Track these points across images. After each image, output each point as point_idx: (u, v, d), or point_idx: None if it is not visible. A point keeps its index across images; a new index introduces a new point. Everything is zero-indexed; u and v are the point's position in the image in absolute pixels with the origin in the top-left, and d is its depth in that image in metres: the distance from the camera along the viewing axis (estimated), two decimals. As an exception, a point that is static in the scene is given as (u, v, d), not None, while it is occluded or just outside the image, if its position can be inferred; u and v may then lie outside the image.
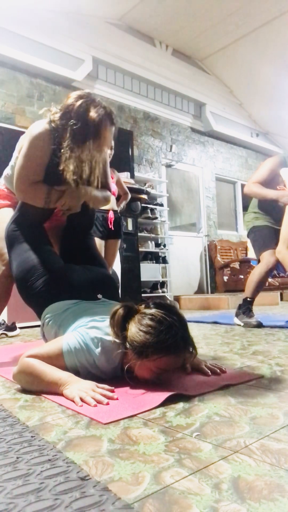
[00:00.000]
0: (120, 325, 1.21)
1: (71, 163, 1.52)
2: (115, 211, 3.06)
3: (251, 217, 3.01)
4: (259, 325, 2.76)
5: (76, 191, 1.60)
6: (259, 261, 2.86)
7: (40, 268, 1.58)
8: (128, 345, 1.17)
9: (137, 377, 1.22)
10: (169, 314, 1.19)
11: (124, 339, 1.19)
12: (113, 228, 3.01)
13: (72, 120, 1.50)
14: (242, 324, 2.87)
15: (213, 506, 0.57)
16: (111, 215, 3.00)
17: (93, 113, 1.50)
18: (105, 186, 1.76)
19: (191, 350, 1.21)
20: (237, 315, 2.96)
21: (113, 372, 1.28)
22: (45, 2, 4.32)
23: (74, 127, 1.49)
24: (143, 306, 1.25)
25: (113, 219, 3.01)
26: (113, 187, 3.08)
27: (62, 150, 1.53)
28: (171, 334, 1.14)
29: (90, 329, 1.27)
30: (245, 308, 2.91)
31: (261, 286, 2.84)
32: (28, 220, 1.68)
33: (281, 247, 2.66)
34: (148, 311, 1.20)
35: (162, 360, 1.15)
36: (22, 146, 1.60)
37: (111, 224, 2.99)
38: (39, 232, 1.71)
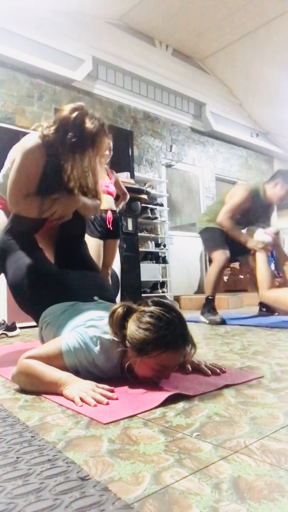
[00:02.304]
0: (119, 324, 1.21)
1: (72, 173, 1.56)
2: (113, 211, 3.06)
3: (205, 219, 3.27)
4: (223, 322, 2.99)
5: (68, 200, 1.65)
6: (210, 260, 3.21)
7: (36, 274, 1.60)
8: (128, 343, 1.17)
9: (138, 376, 1.22)
10: (168, 311, 1.20)
11: (123, 338, 1.19)
12: (111, 228, 3.01)
13: (70, 133, 1.54)
14: (207, 321, 3.09)
15: (213, 506, 0.57)
16: (109, 215, 3.00)
17: (89, 124, 1.55)
18: (95, 195, 1.80)
19: (190, 346, 1.22)
20: (202, 313, 3.19)
21: (113, 372, 1.28)
22: (45, 2, 4.32)
23: (73, 139, 1.53)
24: (141, 304, 1.25)
25: (111, 219, 3.01)
26: (111, 187, 3.08)
27: (63, 162, 1.56)
28: (170, 330, 1.15)
29: (89, 328, 1.28)
30: (209, 306, 3.15)
31: (218, 283, 3.17)
32: (21, 229, 1.70)
33: (262, 291, 2.79)
34: (147, 309, 1.20)
35: (162, 357, 1.15)
36: (14, 158, 1.62)
37: (109, 224, 2.99)
38: (32, 240, 1.73)
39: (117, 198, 3.24)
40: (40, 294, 1.58)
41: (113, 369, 1.27)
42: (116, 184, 3.18)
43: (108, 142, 3.03)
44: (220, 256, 3.08)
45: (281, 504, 0.57)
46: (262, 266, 2.82)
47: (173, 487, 0.63)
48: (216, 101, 6.55)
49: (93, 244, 2.96)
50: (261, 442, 0.79)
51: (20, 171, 1.56)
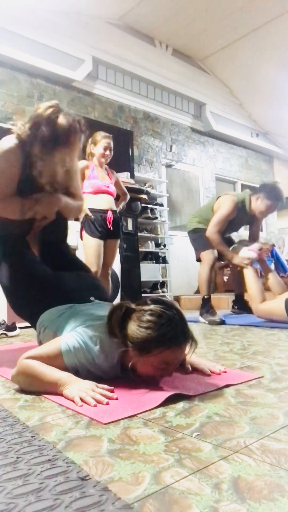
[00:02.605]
0: (118, 324, 1.21)
1: (43, 168, 1.56)
2: (113, 211, 3.06)
3: (195, 220, 3.37)
4: (222, 322, 3.02)
5: (49, 199, 1.63)
6: (199, 259, 3.32)
7: (30, 277, 1.60)
8: (129, 343, 1.17)
9: (139, 376, 1.22)
10: (168, 308, 1.20)
11: (124, 338, 1.19)
12: (112, 228, 3.01)
13: (42, 128, 1.52)
14: (207, 322, 3.12)
15: (213, 506, 0.57)
16: (109, 215, 3.00)
17: (61, 119, 1.53)
18: (77, 196, 1.80)
19: (191, 342, 1.22)
20: (201, 314, 3.22)
21: (113, 371, 1.28)
22: (45, 2, 4.32)
23: (45, 134, 1.52)
24: (140, 304, 1.25)
25: (112, 219, 3.01)
26: (111, 188, 3.08)
27: (33, 157, 1.55)
28: (172, 327, 1.15)
29: (88, 327, 1.28)
30: (207, 307, 3.20)
31: (210, 282, 3.28)
32: (9, 233, 1.69)
33: (255, 306, 2.87)
34: (146, 307, 1.20)
35: (165, 354, 1.15)
36: None
37: (109, 224, 2.99)
38: (22, 243, 1.71)
39: (117, 198, 3.24)
40: (36, 297, 1.58)
41: (113, 369, 1.27)
42: (117, 184, 3.18)
43: (108, 142, 3.03)
44: (208, 256, 3.22)
45: (281, 504, 0.57)
46: (251, 281, 2.93)
47: (173, 487, 0.63)
48: (216, 101, 6.55)
49: (93, 244, 2.96)
50: (261, 442, 0.79)
51: None
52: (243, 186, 7.44)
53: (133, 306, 1.25)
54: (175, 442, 0.81)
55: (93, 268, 2.87)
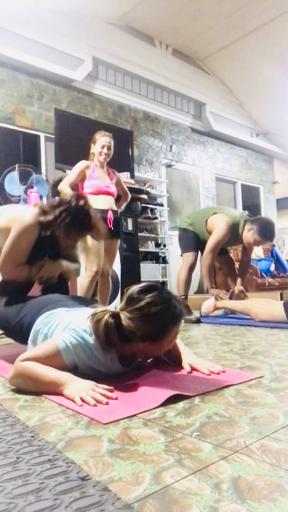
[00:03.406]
0: (117, 336, 1.21)
1: (68, 245, 1.84)
2: (114, 211, 3.05)
3: (187, 221, 3.46)
4: (198, 321, 3.11)
5: (52, 266, 1.84)
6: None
7: (21, 308, 1.64)
8: (138, 339, 1.21)
9: (148, 356, 1.30)
10: (157, 291, 1.24)
11: (128, 338, 1.21)
12: (112, 228, 3.00)
13: (72, 215, 1.72)
14: (183, 321, 3.18)
15: (213, 506, 0.57)
16: (110, 215, 3.00)
17: (92, 212, 1.78)
18: (75, 260, 2.03)
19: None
20: None
21: (112, 362, 1.29)
22: (45, 2, 4.32)
23: (75, 220, 1.72)
24: (130, 302, 1.23)
25: (112, 219, 3.00)
26: (112, 188, 3.07)
27: (59, 236, 1.76)
28: (172, 307, 1.22)
29: (81, 322, 1.29)
30: (183, 306, 3.27)
31: (189, 283, 3.41)
32: (14, 287, 1.81)
33: (254, 316, 2.93)
34: (143, 302, 1.20)
35: (173, 332, 1.24)
36: (7, 226, 1.77)
37: (110, 223, 2.98)
38: (26, 298, 1.79)
39: (118, 198, 3.23)
40: (27, 323, 1.59)
41: (113, 360, 1.28)
42: (118, 184, 3.17)
43: (106, 140, 3.01)
44: (188, 257, 3.39)
45: (281, 504, 0.57)
46: (239, 304, 3.13)
47: (173, 487, 0.63)
48: (216, 101, 6.55)
49: (94, 244, 2.95)
50: (261, 442, 0.79)
51: (15, 245, 1.73)
52: (243, 186, 7.45)
53: (116, 310, 1.25)
54: (175, 442, 0.81)
55: (93, 268, 2.87)
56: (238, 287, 3.43)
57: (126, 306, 1.23)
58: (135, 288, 1.26)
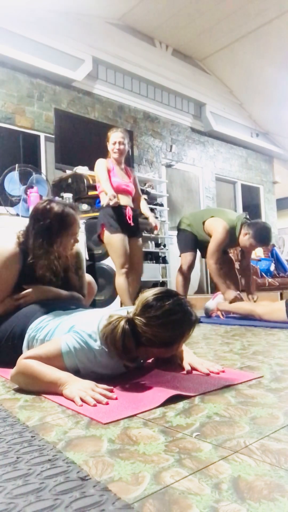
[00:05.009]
0: (131, 339, 1.20)
1: (44, 261, 1.64)
2: (133, 209, 2.98)
3: (186, 222, 3.47)
4: (199, 321, 2.98)
5: (40, 293, 1.66)
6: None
7: (9, 323, 1.58)
8: (157, 345, 1.22)
9: (157, 359, 1.32)
10: (174, 298, 1.24)
11: (142, 345, 1.22)
12: (132, 224, 2.92)
13: (39, 221, 1.63)
14: None
15: (213, 506, 0.57)
16: (129, 211, 2.90)
17: (56, 208, 1.64)
18: (79, 289, 1.84)
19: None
20: None
21: (116, 366, 1.28)
22: (45, 2, 4.32)
23: (42, 224, 1.62)
24: (145, 310, 1.21)
25: (131, 215, 2.90)
26: (131, 187, 3.00)
27: (32, 256, 1.63)
28: (188, 313, 1.23)
29: (85, 326, 1.28)
30: None
31: (187, 284, 3.45)
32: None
33: (257, 311, 2.96)
34: (160, 311, 1.19)
35: (185, 336, 1.25)
36: None
37: (130, 220, 2.90)
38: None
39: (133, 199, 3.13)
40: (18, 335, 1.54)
41: (117, 363, 1.28)
42: (134, 183, 3.09)
43: (117, 136, 2.93)
44: (187, 257, 3.41)
45: (281, 504, 0.57)
46: (244, 305, 3.13)
47: (173, 487, 0.63)
48: (216, 101, 6.55)
49: (117, 240, 2.81)
50: (261, 442, 0.79)
51: None
52: (243, 186, 7.45)
53: (129, 315, 1.23)
54: (175, 442, 0.81)
55: (122, 264, 2.77)
56: (234, 292, 3.33)
57: (142, 312, 1.21)
58: (149, 294, 1.25)
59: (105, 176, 2.84)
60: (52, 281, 1.71)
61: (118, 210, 2.85)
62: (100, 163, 2.92)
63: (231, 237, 3.25)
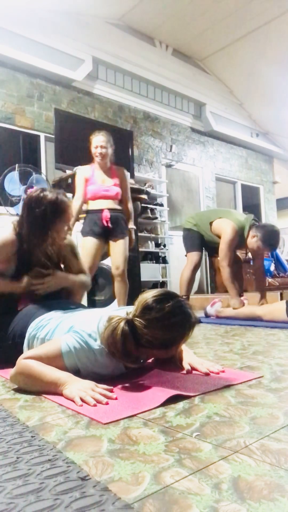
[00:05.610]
0: (134, 345, 1.20)
1: (38, 248, 1.69)
2: (111, 210, 2.94)
3: (192, 222, 3.45)
4: (198, 321, 3.09)
5: (58, 279, 1.74)
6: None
7: (10, 321, 1.59)
8: (152, 346, 1.22)
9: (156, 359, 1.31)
10: (173, 300, 1.23)
11: (141, 347, 1.21)
12: (111, 227, 2.92)
13: (34, 209, 1.65)
14: None
15: (213, 506, 0.57)
16: (105, 213, 2.89)
17: (50, 196, 1.67)
18: (79, 271, 1.90)
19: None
20: None
21: (116, 366, 1.28)
22: (45, 2, 4.32)
23: (36, 212, 1.64)
24: (145, 312, 1.21)
25: (108, 217, 2.89)
26: (112, 191, 2.98)
27: (26, 242, 1.67)
28: (187, 315, 1.23)
29: (85, 325, 1.28)
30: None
31: (191, 283, 3.37)
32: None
33: (259, 311, 2.99)
34: (160, 313, 1.19)
35: (185, 338, 1.26)
36: None
37: (107, 223, 2.90)
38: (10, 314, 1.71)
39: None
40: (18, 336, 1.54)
41: (116, 363, 1.28)
42: (122, 185, 3.04)
43: (98, 139, 2.92)
44: (193, 257, 3.36)
45: (281, 504, 0.57)
46: (244, 310, 3.14)
47: (173, 487, 0.63)
48: (216, 101, 6.55)
49: (86, 243, 2.89)
50: (261, 442, 0.79)
51: None
52: (243, 186, 7.45)
53: (129, 316, 1.23)
54: (175, 442, 0.81)
55: (88, 267, 2.81)
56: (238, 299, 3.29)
57: (142, 314, 1.21)
58: (148, 295, 1.25)
59: (79, 192, 2.93)
60: (48, 266, 1.75)
61: (93, 215, 2.92)
62: (78, 174, 2.98)
63: (239, 238, 3.22)
